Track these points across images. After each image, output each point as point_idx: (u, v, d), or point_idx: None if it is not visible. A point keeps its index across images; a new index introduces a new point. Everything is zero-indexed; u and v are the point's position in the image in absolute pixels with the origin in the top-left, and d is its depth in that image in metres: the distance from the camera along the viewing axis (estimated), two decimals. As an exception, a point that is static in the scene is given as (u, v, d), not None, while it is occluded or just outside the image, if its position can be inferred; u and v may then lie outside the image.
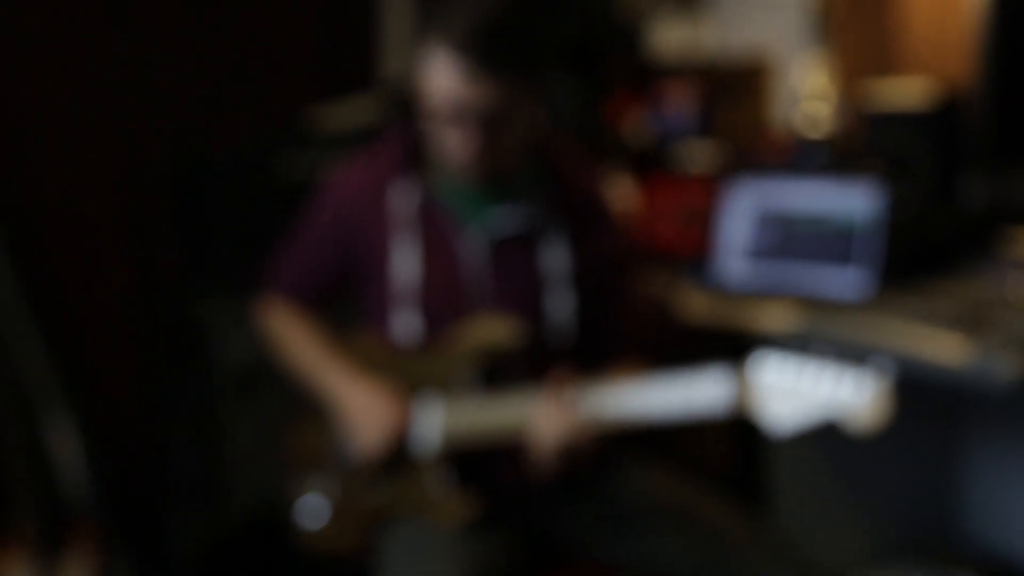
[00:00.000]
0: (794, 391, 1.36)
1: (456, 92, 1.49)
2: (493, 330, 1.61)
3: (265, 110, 2.67)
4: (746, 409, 1.39)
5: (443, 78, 1.49)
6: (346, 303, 1.80)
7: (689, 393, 1.44)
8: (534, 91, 1.54)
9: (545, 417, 1.52)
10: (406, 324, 1.64)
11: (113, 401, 2.60)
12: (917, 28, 2.36)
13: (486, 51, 1.46)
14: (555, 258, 1.63)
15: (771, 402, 1.37)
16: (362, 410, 1.63)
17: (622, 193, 1.98)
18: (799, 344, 1.41)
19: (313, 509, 1.71)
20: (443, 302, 1.63)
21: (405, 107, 1.66)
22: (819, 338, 1.69)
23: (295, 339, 1.75)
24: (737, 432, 2.39)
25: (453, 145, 1.55)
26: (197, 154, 2.47)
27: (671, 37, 2.82)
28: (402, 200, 1.64)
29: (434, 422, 1.62)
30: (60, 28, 2.53)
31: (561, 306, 1.63)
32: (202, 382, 2.47)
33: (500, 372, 1.63)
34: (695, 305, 2.02)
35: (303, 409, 1.77)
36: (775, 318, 1.87)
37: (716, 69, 2.78)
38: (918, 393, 2.20)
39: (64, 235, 2.56)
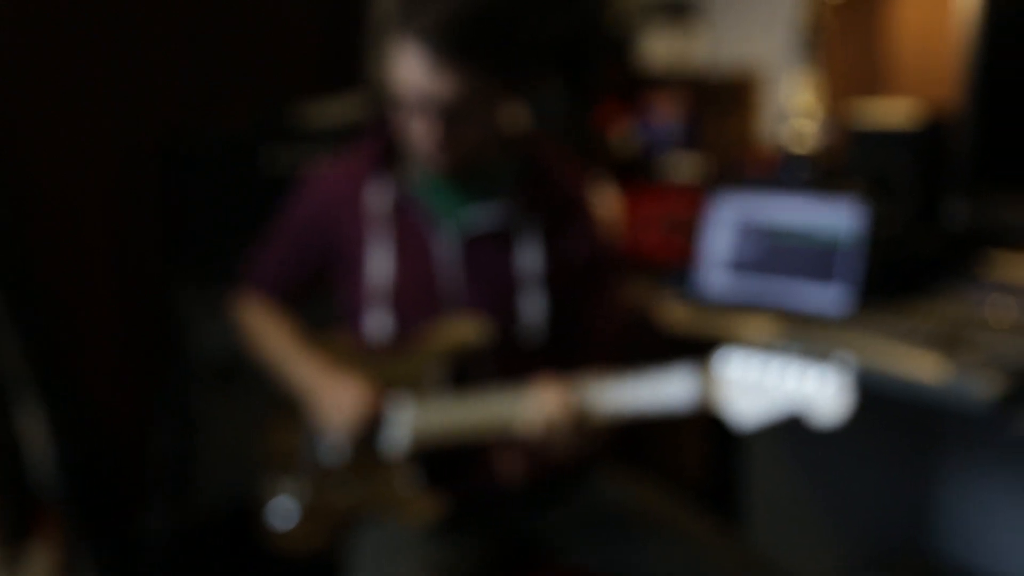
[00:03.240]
0: (758, 386, 1.36)
1: (418, 83, 1.50)
2: (463, 329, 1.60)
3: (251, 106, 2.65)
4: (711, 404, 1.40)
5: (406, 68, 1.50)
6: (320, 303, 1.80)
7: (655, 389, 1.44)
8: (503, 86, 1.54)
9: (540, 401, 1.50)
10: (379, 322, 1.63)
11: (89, 391, 2.58)
12: (905, 49, 2.36)
13: (448, 43, 1.47)
14: (529, 258, 1.62)
15: (736, 396, 1.38)
16: (333, 397, 1.62)
17: (606, 201, 1.98)
18: (774, 354, 1.41)
19: (283, 510, 1.70)
20: (416, 300, 1.62)
21: (386, 105, 1.66)
22: (798, 352, 1.68)
23: (267, 333, 1.75)
24: (713, 445, 2.39)
25: (417, 135, 1.55)
26: (180, 146, 2.45)
27: (661, 48, 2.83)
28: (377, 198, 1.64)
29: (403, 422, 1.61)
30: (49, 16, 2.51)
31: (533, 306, 1.62)
32: (180, 373, 2.45)
33: (470, 372, 1.62)
34: (675, 315, 2.01)
35: (277, 405, 1.76)
36: (754, 331, 1.87)
37: (704, 82, 2.79)
38: (895, 410, 2.21)
39: (44, 224, 2.54)
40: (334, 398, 1.62)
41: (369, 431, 1.61)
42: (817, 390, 1.33)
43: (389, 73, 1.55)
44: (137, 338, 2.61)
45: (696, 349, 1.88)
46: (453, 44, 1.46)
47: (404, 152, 1.65)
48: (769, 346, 1.40)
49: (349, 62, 2.88)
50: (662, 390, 1.43)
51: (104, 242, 2.60)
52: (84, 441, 2.53)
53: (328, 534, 1.68)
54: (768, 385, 1.36)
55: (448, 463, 1.63)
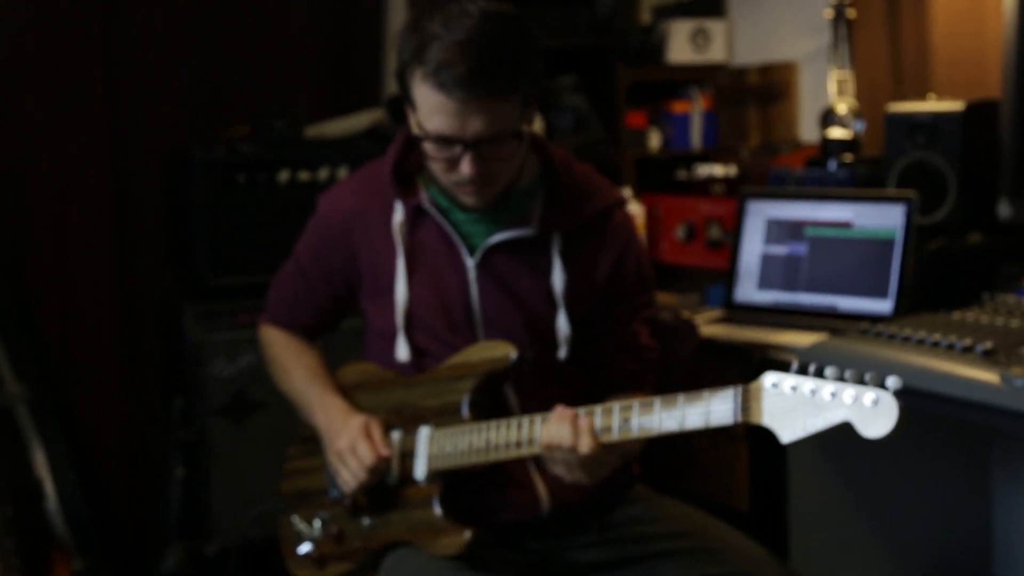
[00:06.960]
0: (803, 403, 1.32)
1: (442, 126, 1.46)
2: (492, 353, 1.57)
3: (263, 122, 2.64)
4: (754, 419, 1.35)
5: (428, 110, 1.47)
6: (341, 332, 1.80)
7: (698, 412, 1.38)
8: (525, 105, 1.50)
9: (552, 429, 1.45)
10: (402, 348, 1.61)
11: (100, 430, 2.59)
12: (944, 48, 2.34)
13: (467, 86, 1.42)
14: (555, 279, 1.60)
15: (780, 413, 1.33)
16: (342, 447, 1.60)
17: (632, 213, 1.94)
18: (817, 363, 1.34)
19: (305, 540, 1.69)
20: (439, 325, 1.60)
21: (402, 126, 1.62)
22: (841, 360, 1.60)
23: (284, 369, 1.75)
24: (758, 467, 2.37)
25: (448, 171, 1.51)
26: (186, 173, 2.45)
27: (691, 50, 2.78)
28: (398, 223, 1.61)
29: (426, 449, 1.59)
30: (58, 25, 2.52)
31: (559, 331, 1.60)
32: (191, 408, 2.43)
33: (494, 397, 1.59)
34: (710, 324, 1.98)
35: (294, 437, 1.76)
36: (794, 339, 1.81)
37: (735, 84, 2.76)
38: (947, 427, 2.11)
39: (51, 257, 2.55)
40: (343, 456, 1.60)
41: (383, 473, 1.60)
42: (863, 407, 1.28)
43: (411, 106, 1.51)
44: (148, 374, 2.61)
45: (733, 357, 1.81)
46: (469, 86, 1.42)
47: (424, 178, 1.62)
48: (810, 354, 1.34)
49: (364, 79, 2.89)
50: (704, 413, 1.37)
51: (113, 275, 2.61)
52: (95, 484, 2.54)
53: (351, 564, 1.66)
54: (814, 402, 1.31)
55: (477, 490, 1.60)
